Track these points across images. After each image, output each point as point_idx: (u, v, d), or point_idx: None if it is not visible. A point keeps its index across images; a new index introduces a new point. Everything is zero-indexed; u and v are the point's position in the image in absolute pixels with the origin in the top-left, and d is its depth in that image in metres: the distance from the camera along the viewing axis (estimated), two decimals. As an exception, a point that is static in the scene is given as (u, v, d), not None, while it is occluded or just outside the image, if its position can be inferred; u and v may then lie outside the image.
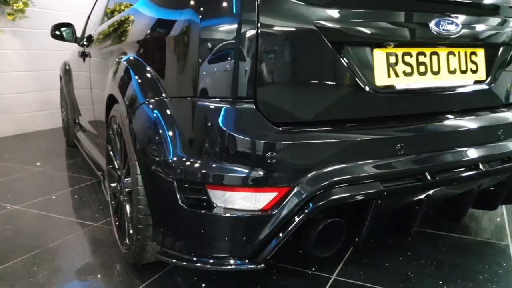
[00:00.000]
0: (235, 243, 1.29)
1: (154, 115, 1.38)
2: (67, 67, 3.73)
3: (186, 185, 1.28)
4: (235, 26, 1.21)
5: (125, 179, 1.64)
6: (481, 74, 1.56)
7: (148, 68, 1.49)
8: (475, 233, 2.02)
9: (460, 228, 2.05)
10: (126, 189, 1.64)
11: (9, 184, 2.96)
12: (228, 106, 1.24)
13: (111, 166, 1.94)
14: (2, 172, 3.26)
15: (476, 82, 1.54)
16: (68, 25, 3.30)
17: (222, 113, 1.24)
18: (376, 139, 1.30)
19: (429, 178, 1.35)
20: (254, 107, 1.24)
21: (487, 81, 1.57)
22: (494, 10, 1.60)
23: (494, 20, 1.58)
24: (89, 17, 3.36)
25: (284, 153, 1.21)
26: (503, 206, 2.32)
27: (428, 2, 1.40)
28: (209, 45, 1.25)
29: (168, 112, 1.36)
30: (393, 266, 1.70)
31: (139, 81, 1.50)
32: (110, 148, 1.92)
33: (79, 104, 3.33)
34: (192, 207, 1.29)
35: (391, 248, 1.85)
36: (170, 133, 1.33)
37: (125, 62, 1.65)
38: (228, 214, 1.25)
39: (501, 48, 1.61)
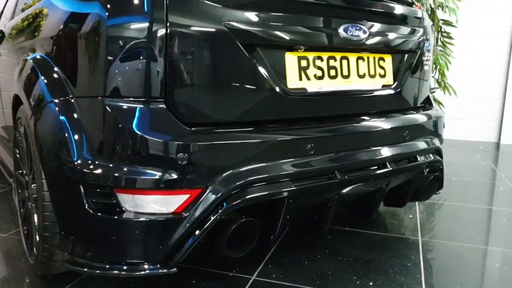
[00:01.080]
0: (148, 248, 1.25)
1: (60, 115, 1.30)
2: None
3: (94, 189, 1.22)
4: (143, 24, 1.18)
5: (32, 185, 1.54)
6: (389, 79, 1.65)
7: (55, 67, 1.40)
8: (390, 229, 2.13)
9: (376, 225, 2.16)
10: (33, 196, 1.54)
11: None
12: (137, 106, 1.21)
13: (19, 171, 1.80)
14: None
15: (384, 86, 1.64)
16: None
17: (130, 113, 1.20)
18: (287, 140, 1.33)
19: (338, 177, 1.40)
20: (165, 107, 1.22)
21: (394, 85, 1.67)
22: (401, 19, 1.71)
23: (401, 29, 1.69)
24: (2, 11, 3.12)
25: (196, 154, 1.20)
26: (416, 203, 2.48)
27: (337, 8, 1.46)
28: (117, 43, 1.20)
29: (74, 112, 1.29)
30: (311, 264, 1.74)
31: (45, 80, 1.41)
32: (17, 152, 1.79)
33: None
34: (101, 212, 1.23)
35: (311, 246, 1.90)
36: (76, 135, 1.26)
37: (31, 61, 1.55)
38: (138, 219, 1.21)
39: (407, 55, 1.72)
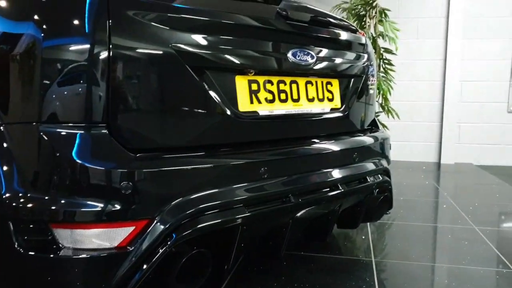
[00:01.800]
0: (89, 287, 1.14)
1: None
2: None
3: (25, 225, 1.10)
4: (83, 46, 1.11)
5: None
6: (337, 102, 1.68)
7: None
8: (343, 251, 2.13)
9: (330, 248, 2.15)
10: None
11: None
12: (76, 132, 1.12)
13: None
14: None
15: (332, 110, 1.66)
16: None
17: (69, 139, 1.11)
18: (239, 164, 1.29)
19: (292, 200, 1.37)
20: (107, 132, 1.14)
21: (342, 109, 1.70)
22: (346, 45, 1.76)
23: (346, 54, 1.74)
24: None
25: (141, 182, 1.13)
26: (368, 224, 2.52)
27: (286, 33, 1.48)
28: (53, 66, 1.12)
29: (3, 140, 1.18)
30: (269, 292, 1.69)
31: None
32: None
33: None
34: (34, 251, 1.11)
35: (266, 274, 1.84)
36: (5, 165, 1.14)
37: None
38: (78, 256, 1.10)
39: (353, 79, 1.76)
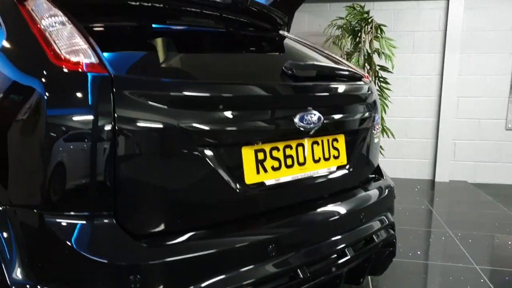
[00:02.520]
0: None
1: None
2: None
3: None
4: (88, 134, 1.05)
5: None
6: (343, 159, 1.63)
7: None
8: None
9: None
10: None
11: None
12: (82, 222, 1.06)
13: None
14: None
15: (338, 168, 1.61)
16: None
17: (74, 231, 1.05)
18: (247, 245, 1.24)
19: (301, 276, 1.33)
20: (114, 221, 1.08)
21: (348, 165, 1.65)
22: (352, 97, 1.71)
23: (352, 107, 1.68)
24: None
25: (150, 275, 1.07)
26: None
27: (291, 98, 1.42)
28: (57, 149, 1.06)
29: (5, 226, 1.12)
30: None
31: None
32: None
33: None
34: None
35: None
36: (11, 254, 1.08)
37: None
38: None
39: (359, 132, 1.72)
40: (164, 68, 1.31)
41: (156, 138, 1.12)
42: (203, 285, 1.12)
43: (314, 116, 1.43)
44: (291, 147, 1.43)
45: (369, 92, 1.81)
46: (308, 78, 1.52)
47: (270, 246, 1.27)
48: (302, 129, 1.40)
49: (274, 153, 1.38)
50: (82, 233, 1.06)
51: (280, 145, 1.39)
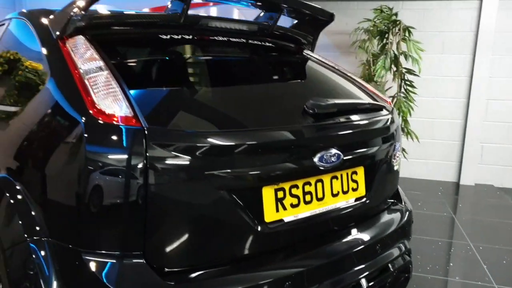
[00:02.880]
0: None
1: (33, 259, 1.26)
2: None
3: None
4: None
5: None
6: (361, 191, 1.69)
7: (29, 195, 1.36)
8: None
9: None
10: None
11: None
12: (113, 261, 1.18)
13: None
14: None
15: (356, 199, 1.67)
16: None
17: (106, 268, 1.17)
18: (265, 281, 1.33)
19: None
20: (143, 260, 1.20)
21: (366, 196, 1.70)
22: (374, 130, 1.74)
23: (373, 140, 1.72)
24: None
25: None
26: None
27: (311, 140, 1.48)
28: (91, 185, 1.18)
29: (46, 257, 1.25)
30: None
31: (13, 210, 1.37)
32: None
33: None
34: None
35: None
36: (49, 282, 1.22)
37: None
38: None
39: (379, 163, 1.76)
40: (190, 118, 1.39)
41: (182, 184, 1.22)
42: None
43: (334, 155, 1.49)
44: (310, 184, 1.50)
45: (391, 122, 1.84)
46: (328, 116, 1.57)
47: (287, 282, 1.36)
48: (321, 168, 1.47)
49: (293, 190, 1.45)
50: (113, 270, 1.18)
51: (300, 183, 1.47)
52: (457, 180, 4.90)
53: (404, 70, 4.29)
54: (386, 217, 1.83)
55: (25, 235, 1.31)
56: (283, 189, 1.42)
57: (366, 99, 1.89)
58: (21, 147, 1.50)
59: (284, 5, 1.91)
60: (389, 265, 1.71)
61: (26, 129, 1.51)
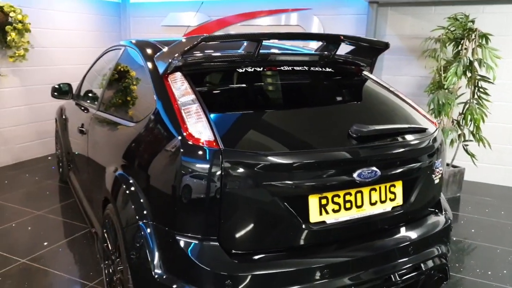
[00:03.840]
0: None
1: (143, 236, 1.81)
2: (64, 116, 4.09)
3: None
4: (209, 170, 1.64)
5: (118, 268, 2.08)
6: (399, 201, 2.00)
7: (140, 189, 1.92)
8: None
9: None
10: (118, 274, 2.08)
11: (16, 230, 3.35)
12: (197, 241, 1.68)
13: (105, 244, 2.35)
14: (9, 215, 3.63)
15: (394, 208, 1.99)
16: (67, 84, 3.70)
17: (193, 245, 1.68)
18: (308, 268, 1.74)
19: None
20: (218, 243, 1.68)
21: (403, 205, 2.02)
22: (413, 150, 2.03)
23: (413, 158, 2.02)
24: (86, 74, 3.74)
25: (237, 281, 1.65)
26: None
27: (354, 158, 1.84)
28: (185, 189, 1.67)
29: (151, 235, 1.79)
30: None
31: (129, 199, 1.93)
32: (105, 231, 2.33)
33: (74, 151, 3.67)
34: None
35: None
36: (154, 254, 1.76)
37: (117, 174, 2.08)
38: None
39: (418, 178, 2.05)
40: (255, 140, 1.83)
41: (246, 190, 1.68)
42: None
43: (371, 172, 1.84)
44: (350, 194, 1.87)
45: (430, 142, 2.11)
46: (370, 139, 1.91)
47: (326, 270, 1.75)
48: (361, 182, 1.82)
49: (335, 199, 1.83)
50: (196, 248, 1.68)
51: (341, 193, 1.84)
52: (536, 187, 4.76)
53: (478, 77, 4.29)
54: (423, 224, 2.12)
55: (136, 217, 1.87)
56: (326, 198, 1.82)
57: (408, 122, 2.17)
58: (134, 152, 2.07)
59: (343, 40, 2.25)
60: (422, 264, 2.01)
61: (139, 139, 2.07)
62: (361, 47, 2.53)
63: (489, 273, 2.90)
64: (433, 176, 2.14)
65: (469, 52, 4.29)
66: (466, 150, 4.50)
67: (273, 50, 2.44)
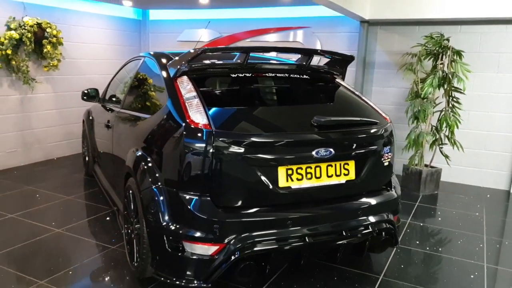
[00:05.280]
0: (196, 272, 2.34)
1: (156, 195, 2.44)
2: (90, 117, 4.80)
3: (171, 239, 2.34)
4: (201, 144, 2.28)
5: (136, 225, 2.71)
6: (352, 176, 2.60)
7: (154, 163, 2.56)
8: (363, 268, 3.05)
9: (348, 262, 3.08)
10: (136, 232, 2.71)
11: (50, 210, 4.03)
12: (194, 197, 2.31)
13: (126, 212, 2.99)
14: (44, 198, 4.32)
15: (347, 181, 2.59)
16: (94, 89, 4.40)
17: (192, 200, 2.31)
18: (276, 219, 2.35)
19: (307, 240, 2.39)
20: (209, 199, 2.31)
21: (356, 180, 2.61)
22: (364, 138, 2.64)
23: (364, 144, 2.63)
24: (110, 81, 4.44)
25: (222, 224, 2.27)
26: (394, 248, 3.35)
27: (313, 140, 2.45)
28: (186, 159, 2.31)
29: (162, 195, 2.43)
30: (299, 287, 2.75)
31: (146, 171, 2.57)
32: (126, 201, 2.97)
33: (99, 149, 4.38)
34: (173, 251, 2.35)
35: (302, 277, 2.89)
36: (164, 208, 2.39)
37: (138, 155, 2.73)
38: (193, 256, 2.31)
39: (368, 159, 2.65)
40: (241, 124, 2.45)
41: (232, 160, 2.30)
42: (248, 234, 2.28)
43: (327, 151, 2.45)
44: (311, 167, 2.48)
45: (380, 132, 2.71)
46: (328, 127, 2.52)
47: (289, 221, 2.36)
48: (319, 158, 2.43)
49: (299, 170, 2.45)
50: (197, 203, 2.30)
51: (303, 166, 2.46)
52: (508, 188, 5.26)
53: (451, 88, 4.86)
54: (373, 196, 2.71)
55: (152, 183, 2.50)
56: (291, 169, 2.43)
57: (363, 116, 2.77)
58: (150, 136, 2.72)
59: (315, 53, 2.90)
60: (369, 226, 2.60)
61: (154, 126, 2.72)
62: (334, 59, 3.16)
63: (452, 249, 3.44)
64: (382, 159, 2.74)
65: (445, 66, 4.87)
66: (441, 152, 5.06)
67: (260, 60, 3.09)
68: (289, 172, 2.43)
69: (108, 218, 3.87)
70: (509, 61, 5.13)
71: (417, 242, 3.59)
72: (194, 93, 2.53)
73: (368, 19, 5.49)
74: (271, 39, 6.51)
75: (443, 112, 4.94)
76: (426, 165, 5.12)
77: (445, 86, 4.87)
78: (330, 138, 2.52)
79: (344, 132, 2.60)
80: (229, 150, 2.30)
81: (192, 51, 2.65)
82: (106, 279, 2.82)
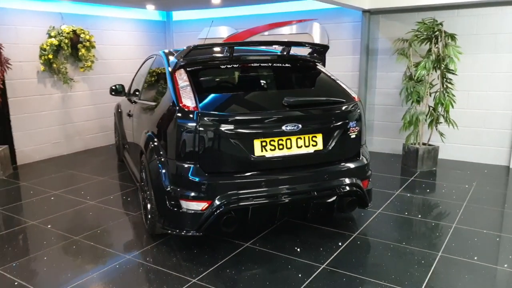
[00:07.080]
0: (191, 224, 2.95)
1: (159, 165, 3.07)
2: (119, 110, 5.54)
3: (171, 198, 2.96)
4: (192, 124, 2.86)
5: (147, 192, 3.36)
6: (320, 147, 3.10)
7: (158, 142, 3.19)
8: (338, 227, 3.54)
9: (329, 223, 3.57)
10: (147, 197, 3.36)
11: (87, 188, 4.80)
12: (187, 165, 2.91)
13: (142, 183, 3.66)
14: (82, 179, 5.12)
15: (316, 151, 3.09)
16: (121, 85, 5.11)
17: (185, 167, 2.91)
18: (252, 181, 2.91)
19: (282, 198, 2.92)
20: (199, 166, 2.90)
21: (324, 150, 3.11)
22: (331, 114, 3.13)
23: (331, 120, 3.12)
24: (134, 77, 5.13)
25: (210, 186, 2.86)
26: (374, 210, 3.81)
27: (283, 116, 2.97)
28: (180, 136, 2.91)
29: (164, 164, 3.05)
30: (282, 242, 3.29)
31: (154, 148, 3.21)
32: (140, 175, 3.63)
33: (127, 137, 5.10)
34: (173, 208, 2.97)
35: (283, 234, 3.43)
36: (165, 175, 3.02)
37: (148, 135, 3.37)
38: (188, 211, 2.92)
39: (335, 132, 3.14)
40: (223, 106, 3.01)
41: (215, 134, 2.87)
42: (231, 192, 2.86)
43: (295, 126, 2.97)
44: (282, 140, 3.01)
45: (346, 109, 3.19)
46: (297, 106, 3.04)
47: (263, 183, 2.91)
48: (288, 131, 2.96)
49: (272, 142, 2.98)
50: (189, 169, 2.91)
51: (275, 139, 2.99)
52: (508, 164, 5.49)
53: (444, 69, 5.16)
54: (342, 163, 3.20)
55: (157, 157, 3.13)
56: (265, 141, 2.97)
57: (331, 96, 3.26)
58: (157, 119, 3.34)
59: (292, 44, 3.42)
60: (336, 188, 3.10)
61: (159, 111, 3.34)
62: (313, 49, 3.66)
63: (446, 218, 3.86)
64: (349, 133, 3.22)
65: (440, 49, 5.18)
66: (437, 130, 5.38)
67: (246, 53, 3.63)
68: (263, 144, 2.97)
69: (132, 192, 4.57)
70: (506, 42, 5.34)
71: (398, 209, 4.01)
72: (187, 83, 3.12)
73: (368, 9, 5.85)
74: (283, 32, 7.00)
75: (437, 93, 5.25)
76: (424, 144, 5.45)
77: (441, 68, 5.17)
78: (297, 115, 3.04)
79: (310, 110, 3.10)
80: (212, 127, 2.87)
81: (186, 48, 3.24)
82: (127, 236, 3.50)
